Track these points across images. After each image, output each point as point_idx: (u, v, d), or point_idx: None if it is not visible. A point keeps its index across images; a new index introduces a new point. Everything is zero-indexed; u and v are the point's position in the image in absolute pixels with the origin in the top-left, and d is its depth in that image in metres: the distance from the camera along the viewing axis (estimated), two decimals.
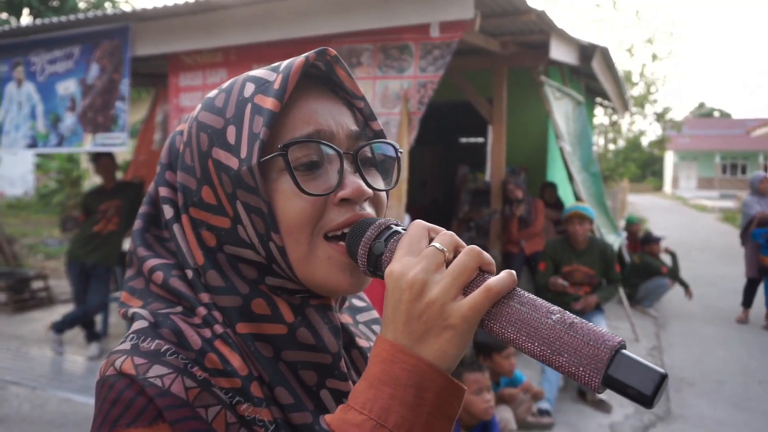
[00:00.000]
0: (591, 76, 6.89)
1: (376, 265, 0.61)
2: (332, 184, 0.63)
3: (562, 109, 5.74)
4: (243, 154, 0.62)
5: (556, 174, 7.47)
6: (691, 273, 8.38)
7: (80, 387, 4.56)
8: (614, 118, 16.11)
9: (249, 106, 0.64)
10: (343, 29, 4.05)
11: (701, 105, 58.44)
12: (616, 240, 6.67)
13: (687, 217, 21.72)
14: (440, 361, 0.54)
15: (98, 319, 5.64)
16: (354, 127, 0.68)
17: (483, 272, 0.57)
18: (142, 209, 0.73)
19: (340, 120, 0.67)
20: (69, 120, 5.29)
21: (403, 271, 0.56)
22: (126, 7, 14.95)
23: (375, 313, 0.82)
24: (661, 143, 18.58)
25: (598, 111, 12.87)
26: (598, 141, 16.60)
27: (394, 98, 3.94)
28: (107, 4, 16.91)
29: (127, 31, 4.89)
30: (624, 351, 0.50)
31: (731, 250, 9.01)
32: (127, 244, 5.74)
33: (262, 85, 0.65)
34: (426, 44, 3.87)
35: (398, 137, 3.91)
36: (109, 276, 5.36)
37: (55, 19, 5.21)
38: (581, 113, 6.51)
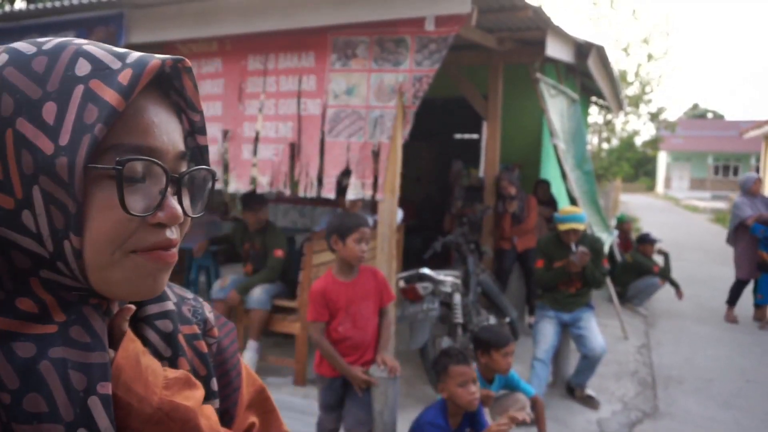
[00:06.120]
0: (586, 74, 6.89)
1: None
2: (152, 205, 0.60)
3: (557, 106, 5.75)
4: (64, 141, 0.55)
5: (549, 171, 7.49)
6: (682, 273, 8.43)
7: None
8: (609, 117, 16.16)
9: (81, 88, 0.56)
10: (340, 21, 4.03)
11: (695, 106, 58.65)
12: (608, 239, 6.70)
13: (679, 218, 21.85)
14: None
15: None
16: (181, 148, 0.64)
17: None
18: None
19: (172, 137, 0.63)
20: None
21: None
22: None
23: (196, 328, 0.75)
24: (654, 143, 18.68)
25: (593, 110, 12.89)
26: (592, 140, 16.64)
27: (389, 92, 3.93)
28: None
29: (121, 17, 4.85)
30: None
31: (722, 250, 9.07)
32: None
33: (102, 70, 0.58)
34: (422, 38, 3.85)
35: (393, 131, 3.91)
36: None
37: (49, 4, 5.16)
38: (576, 111, 6.52)
